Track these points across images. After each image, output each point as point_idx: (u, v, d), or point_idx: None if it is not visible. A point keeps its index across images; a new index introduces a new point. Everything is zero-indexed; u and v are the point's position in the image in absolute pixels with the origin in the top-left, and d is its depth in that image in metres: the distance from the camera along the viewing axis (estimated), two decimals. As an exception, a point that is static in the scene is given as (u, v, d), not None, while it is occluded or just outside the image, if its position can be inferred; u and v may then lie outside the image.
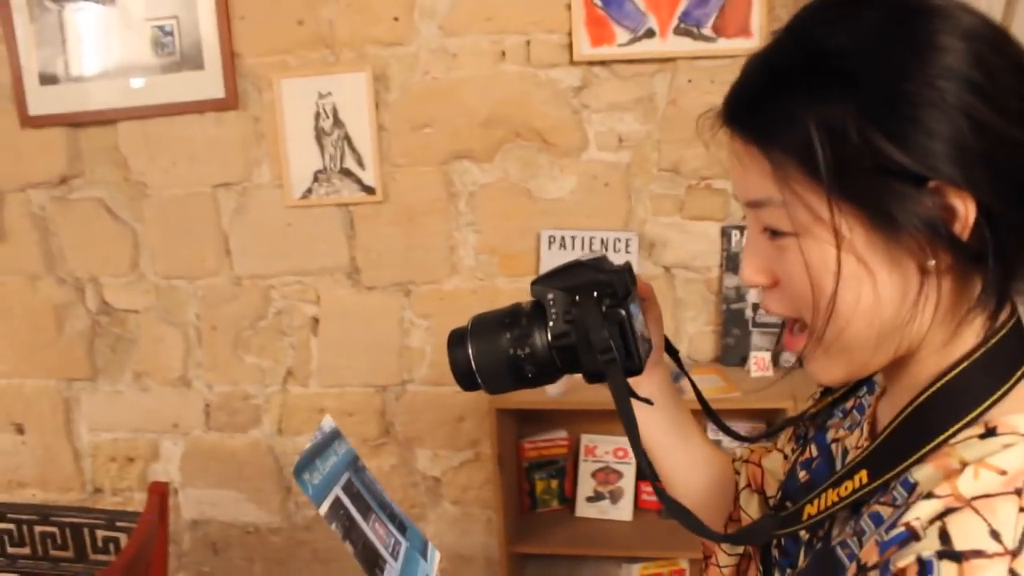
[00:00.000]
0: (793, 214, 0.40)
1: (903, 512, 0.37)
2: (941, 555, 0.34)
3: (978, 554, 0.34)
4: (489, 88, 1.62)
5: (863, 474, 0.43)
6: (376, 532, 0.60)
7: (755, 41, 1.58)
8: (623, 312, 0.59)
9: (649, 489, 1.68)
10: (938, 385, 0.41)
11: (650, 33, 1.55)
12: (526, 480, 1.66)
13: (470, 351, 0.60)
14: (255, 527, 1.95)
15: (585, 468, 1.65)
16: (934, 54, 0.37)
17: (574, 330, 0.57)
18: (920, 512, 0.37)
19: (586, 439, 1.66)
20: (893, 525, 0.38)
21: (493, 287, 1.70)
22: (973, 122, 0.37)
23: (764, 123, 0.41)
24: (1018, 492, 0.35)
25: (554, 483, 1.67)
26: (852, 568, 0.42)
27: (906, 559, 0.35)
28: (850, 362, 0.44)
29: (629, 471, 1.63)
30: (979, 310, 0.41)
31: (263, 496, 1.92)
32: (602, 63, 1.61)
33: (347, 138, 1.70)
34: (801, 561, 0.49)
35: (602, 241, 1.61)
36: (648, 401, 0.58)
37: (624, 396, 0.52)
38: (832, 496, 0.45)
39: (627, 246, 1.60)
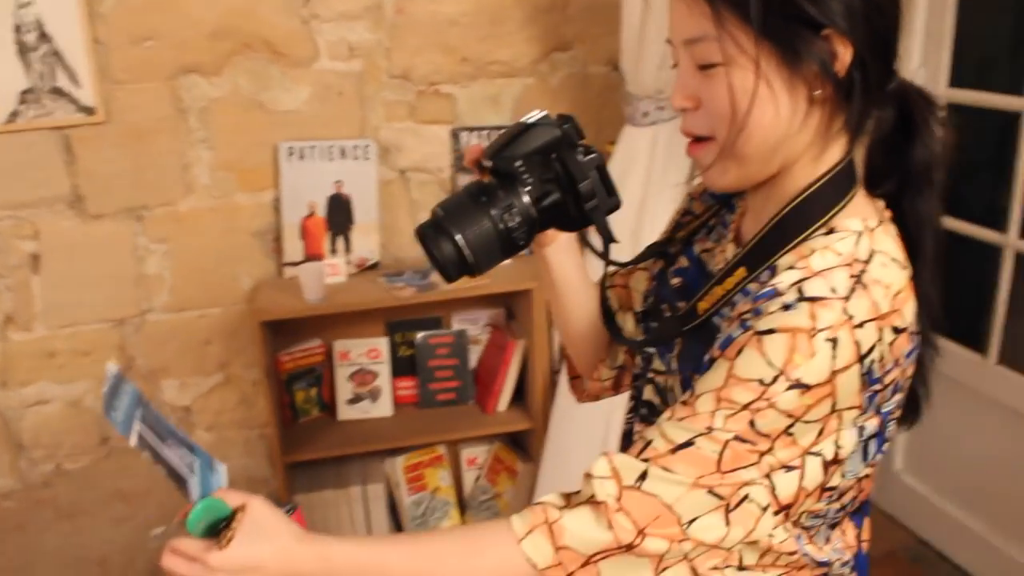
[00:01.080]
0: (724, 47, 0.85)
1: (769, 281, 0.86)
2: (799, 300, 0.82)
3: (822, 299, 0.81)
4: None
5: (742, 270, 0.92)
6: (174, 455, 0.95)
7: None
8: (597, 154, 0.96)
9: (404, 384, 2.61)
10: (800, 199, 0.90)
11: (373, -58, 2.39)
12: (286, 393, 2.52)
13: (457, 238, 0.93)
14: (-18, 493, 2.56)
15: (341, 373, 2.57)
16: None
17: (555, 186, 0.97)
18: (784, 279, 0.84)
19: (339, 345, 2.57)
20: (764, 287, 0.86)
21: (232, 204, 2.53)
22: None
23: None
24: (849, 265, 0.83)
25: (313, 391, 2.57)
26: (726, 323, 0.92)
27: (775, 305, 0.83)
28: (743, 170, 0.91)
29: (384, 370, 2.59)
30: (840, 136, 0.90)
31: (-11, 457, 2.53)
32: (329, -30, 2.43)
33: (56, 54, 2.35)
34: (676, 345, 1.02)
35: (341, 149, 2.48)
36: (612, 261, 1.04)
37: (610, 236, 0.99)
38: (719, 291, 0.94)
39: (365, 152, 2.49)
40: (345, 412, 2.63)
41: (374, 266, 2.63)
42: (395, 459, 2.67)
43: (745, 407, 0.83)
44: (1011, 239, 2.27)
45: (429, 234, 0.96)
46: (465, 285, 2.46)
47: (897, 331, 0.85)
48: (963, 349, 2.39)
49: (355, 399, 2.63)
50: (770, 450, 0.83)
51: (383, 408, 2.64)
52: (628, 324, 1.20)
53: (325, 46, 2.53)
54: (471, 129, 2.65)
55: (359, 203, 2.59)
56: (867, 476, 0.95)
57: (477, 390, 2.72)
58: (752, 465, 0.84)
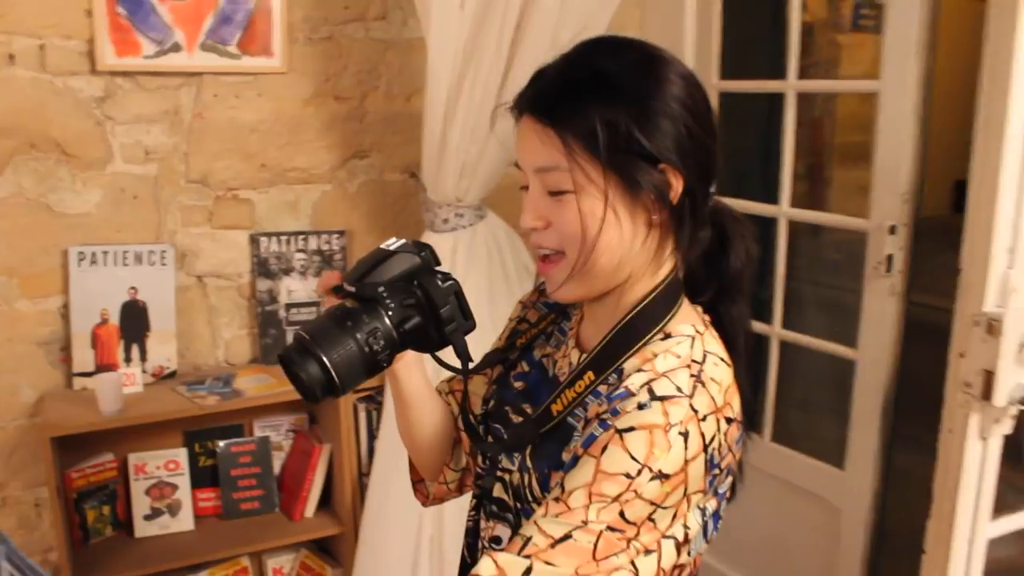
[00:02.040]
0: (575, 177, 0.97)
1: (620, 383, 0.96)
2: (652, 399, 0.92)
3: (671, 398, 0.93)
4: (-4, 95, 2.28)
5: (590, 374, 1.02)
6: None
7: (276, 60, 2.54)
8: (454, 281, 1.04)
9: (205, 496, 2.51)
10: (637, 309, 1.02)
11: (176, 47, 2.44)
12: (75, 512, 2.36)
13: (325, 360, 0.98)
14: None
15: (138, 487, 2.46)
16: (667, 85, 0.98)
17: (416, 311, 1.04)
18: (634, 381, 0.96)
19: (134, 458, 2.47)
20: (615, 389, 0.96)
21: (14, 312, 2.41)
22: (687, 129, 0.98)
23: (562, 114, 0.97)
24: (688, 366, 0.96)
25: (106, 509, 2.43)
26: (581, 423, 1.01)
27: (631, 405, 0.93)
28: (589, 286, 1.02)
29: (184, 481, 2.47)
30: (671, 255, 1.03)
31: None
32: (125, 74, 2.41)
33: None
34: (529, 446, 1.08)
35: (135, 254, 2.42)
36: (453, 368, 1.12)
37: (468, 356, 1.08)
38: (570, 394, 1.03)
39: (162, 258, 2.44)
40: (143, 528, 2.48)
41: (171, 375, 2.54)
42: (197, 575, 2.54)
43: (615, 499, 0.90)
44: (776, 329, 2.53)
45: (294, 357, 0.99)
46: (268, 392, 2.44)
47: (729, 421, 0.97)
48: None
49: (153, 514, 2.49)
50: (636, 536, 0.91)
51: (184, 522, 2.52)
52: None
53: (119, 148, 2.47)
54: (270, 234, 2.65)
55: (155, 310, 2.50)
56: (700, 553, 1.05)
57: (283, 497, 2.64)
58: (622, 552, 0.91)
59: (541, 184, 1.01)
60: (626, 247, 1.00)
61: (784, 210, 2.48)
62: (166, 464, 2.52)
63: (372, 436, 2.59)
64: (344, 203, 2.79)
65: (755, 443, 2.65)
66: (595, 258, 0.99)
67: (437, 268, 1.08)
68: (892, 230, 2.22)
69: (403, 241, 1.09)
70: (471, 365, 1.20)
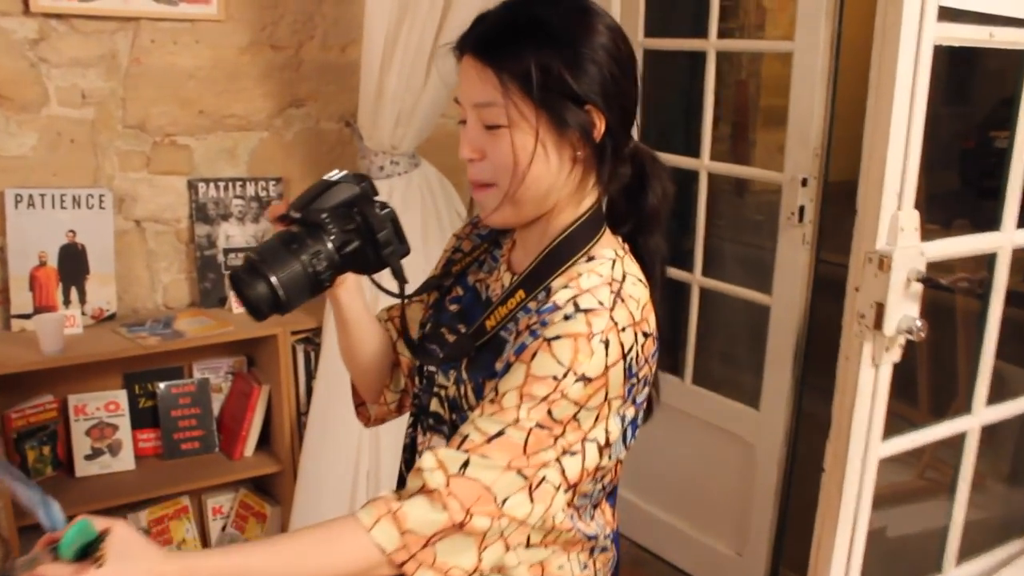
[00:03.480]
0: (509, 113, 1.06)
1: (548, 299, 1.07)
2: (576, 311, 1.03)
3: (593, 310, 1.04)
4: (-73, 39, 2.27)
5: (521, 292, 1.13)
6: (18, 489, 1.05)
7: (213, 8, 2.57)
8: (391, 209, 1.12)
9: (145, 436, 2.57)
10: (564, 235, 1.12)
11: (110, -9, 2.40)
12: (16, 452, 2.39)
13: (272, 280, 1.06)
14: None
15: (78, 428, 2.49)
16: (597, 35, 1.08)
17: (356, 236, 1.12)
18: (561, 296, 1.06)
19: (74, 399, 2.52)
20: (543, 304, 1.07)
21: None
22: (611, 75, 1.08)
23: (500, 55, 1.06)
24: (609, 284, 1.07)
25: (46, 449, 2.46)
26: (513, 335, 1.11)
27: (558, 316, 1.04)
28: (519, 212, 1.12)
29: (124, 422, 2.53)
30: (594, 188, 1.15)
31: None
32: (59, 16, 2.42)
33: None
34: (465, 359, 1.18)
35: (74, 198, 2.44)
36: (394, 293, 1.23)
37: (404, 277, 1.18)
38: (503, 311, 1.14)
39: (100, 202, 2.47)
40: (84, 468, 2.53)
41: (111, 317, 2.57)
42: (138, 514, 2.59)
43: (543, 399, 1.01)
44: (696, 276, 2.67)
45: (243, 276, 1.08)
46: (209, 333, 2.49)
47: (646, 335, 1.08)
48: (663, 374, 2.74)
49: (93, 454, 2.54)
50: (562, 434, 1.02)
51: (125, 462, 2.57)
52: (404, 349, 1.36)
53: (55, 91, 2.47)
54: (208, 180, 2.68)
55: (94, 253, 2.53)
56: (619, 461, 1.17)
57: (222, 438, 2.71)
58: (550, 448, 1.02)
59: (478, 119, 1.10)
60: (552, 178, 1.10)
61: (705, 163, 2.60)
62: (106, 405, 2.56)
63: (311, 377, 2.66)
64: (281, 151, 2.83)
65: (676, 386, 2.80)
66: (525, 187, 1.09)
67: (375, 198, 1.18)
68: (804, 183, 2.35)
69: (345, 172, 1.18)
70: (409, 290, 1.30)
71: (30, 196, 2.45)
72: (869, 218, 1.55)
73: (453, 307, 1.29)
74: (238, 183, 2.73)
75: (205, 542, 2.76)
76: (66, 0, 2.42)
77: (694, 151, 2.64)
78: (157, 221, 2.67)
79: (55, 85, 2.48)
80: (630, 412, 1.10)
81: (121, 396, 2.59)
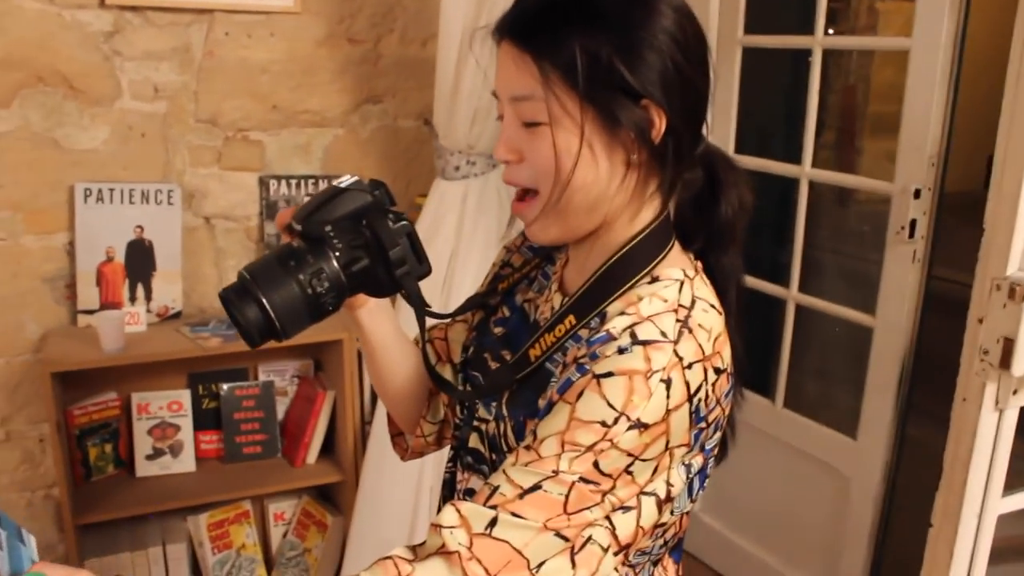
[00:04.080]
0: (550, 108, 0.89)
1: (602, 327, 0.89)
2: (633, 343, 0.85)
3: (654, 342, 0.85)
4: (3, 26, 2.26)
5: (571, 318, 0.96)
6: None
7: (289, 1, 2.44)
8: (407, 222, 0.96)
9: (208, 438, 2.48)
10: (623, 252, 0.95)
11: (184, -18, 2.33)
12: (78, 449, 2.34)
13: (264, 302, 0.91)
14: None
15: (140, 427, 2.43)
16: (657, 16, 0.89)
17: (365, 253, 0.96)
18: (616, 324, 0.88)
19: (137, 397, 2.43)
20: (596, 332, 0.89)
21: (19, 247, 2.37)
22: (674, 64, 0.89)
23: (541, 41, 0.89)
24: (675, 311, 0.88)
25: (108, 447, 2.40)
26: (559, 369, 0.96)
27: (611, 349, 0.86)
28: (565, 226, 0.95)
29: (186, 423, 2.44)
30: (655, 197, 0.96)
31: None
32: (134, 8, 2.35)
33: None
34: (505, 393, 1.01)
35: (143, 193, 2.36)
36: (432, 312, 1.04)
37: (422, 302, 0.99)
38: (549, 339, 0.97)
39: (169, 198, 2.39)
40: (144, 468, 2.47)
41: (176, 315, 2.50)
42: (198, 517, 2.52)
43: (589, 448, 0.84)
44: (792, 292, 2.45)
45: (232, 298, 0.93)
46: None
47: (718, 372, 0.90)
48: (752, 395, 2.54)
49: (155, 454, 2.47)
50: (612, 489, 0.85)
51: (185, 463, 2.50)
52: (447, 376, 1.19)
53: (128, 85, 2.41)
54: (280, 177, 2.59)
55: (161, 249, 2.46)
56: (687, 513, 0.99)
57: (285, 443, 2.62)
58: (596, 505, 0.84)
59: (516, 114, 0.94)
60: (602, 186, 0.92)
61: (806, 171, 2.38)
62: (169, 405, 2.49)
63: (375, 385, 2.54)
64: (356, 148, 2.72)
65: (766, 409, 2.59)
66: (568, 196, 0.92)
67: (391, 208, 1.00)
68: (916, 194, 2.12)
69: (356, 178, 1.01)
70: (449, 310, 1.14)
71: (99, 190, 2.39)
72: (999, 239, 1.33)
73: (498, 330, 1.12)
74: (311, 181, 2.62)
75: (266, 548, 2.67)
76: (143, -9, 2.35)
77: (794, 157, 2.43)
78: (227, 218, 2.59)
79: (128, 78, 2.41)
80: (697, 461, 0.92)
81: (184, 396, 2.52)
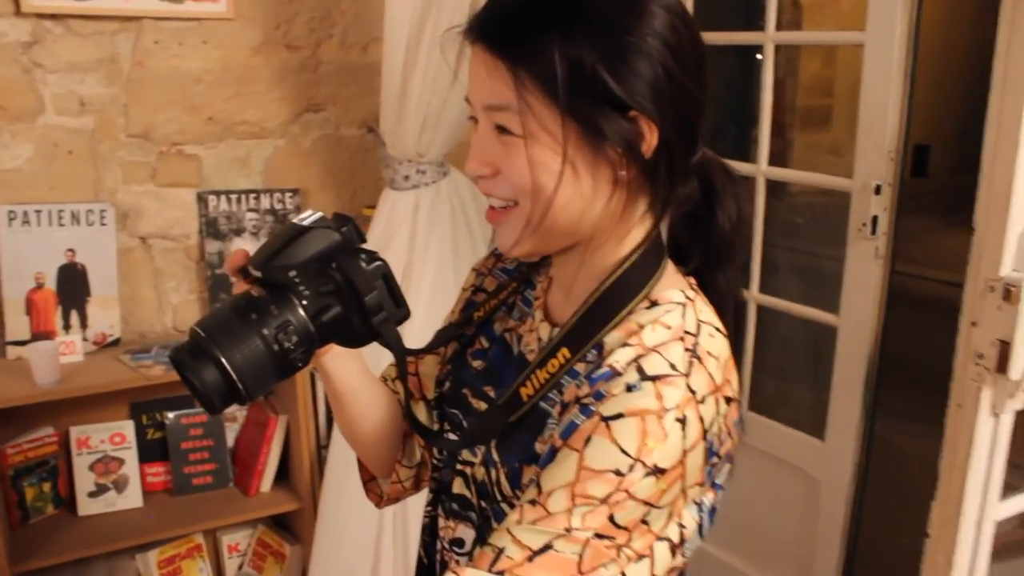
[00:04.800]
0: (525, 121, 0.79)
1: (601, 361, 0.80)
2: (642, 379, 0.76)
3: (665, 377, 0.77)
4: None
5: (564, 351, 0.85)
6: None
7: (222, 5, 2.32)
8: (382, 262, 0.84)
9: (154, 471, 2.33)
10: (615, 276, 0.85)
11: (109, -12, 2.18)
12: (12, 490, 2.18)
13: (224, 362, 0.79)
14: None
15: (81, 462, 2.28)
16: (647, 17, 0.79)
17: (336, 299, 0.85)
18: (619, 358, 0.79)
19: (76, 431, 2.30)
20: (597, 368, 0.79)
21: None
22: (666, 71, 0.79)
23: (516, 46, 0.79)
24: (681, 339, 0.80)
25: (46, 486, 2.24)
26: (556, 408, 0.85)
27: (618, 387, 0.77)
28: (541, 242, 0.85)
29: (131, 455, 2.30)
30: (647, 216, 0.86)
31: None
32: (54, 17, 2.20)
33: None
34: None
35: (72, 214, 2.22)
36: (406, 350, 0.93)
37: (403, 351, 0.89)
38: (542, 375, 0.86)
39: (101, 218, 2.25)
40: (87, 506, 2.31)
41: (115, 343, 2.34)
42: (147, 554, 2.37)
43: (603, 501, 0.75)
44: (753, 294, 2.39)
45: (186, 360, 0.80)
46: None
47: (729, 401, 0.82)
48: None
49: (98, 491, 2.31)
50: (628, 542, 0.76)
51: (132, 499, 2.34)
52: (420, 414, 1.08)
53: (51, 99, 2.25)
54: (219, 193, 2.45)
55: (96, 273, 2.30)
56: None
57: (236, 471, 2.48)
58: (611, 562, 0.76)
59: (490, 123, 0.84)
60: (585, 205, 0.83)
61: (763, 168, 2.32)
62: (111, 437, 2.34)
63: (331, 407, 2.42)
64: (298, 159, 2.59)
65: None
66: (551, 216, 0.83)
67: (361, 246, 0.89)
68: (877, 190, 2.07)
69: (319, 214, 0.89)
70: (419, 347, 1.03)
71: (25, 213, 2.23)
72: (992, 238, 1.27)
73: (477, 363, 1.01)
74: (252, 195, 2.48)
75: (221, 583, 2.53)
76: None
77: (743, 155, 2.37)
78: (164, 237, 2.43)
79: (51, 92, 2.25)
80: (709, 498, 0.84)
81: (127, 427, 2.36)
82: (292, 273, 0.83)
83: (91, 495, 2.32)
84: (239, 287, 0.89)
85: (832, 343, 2.27)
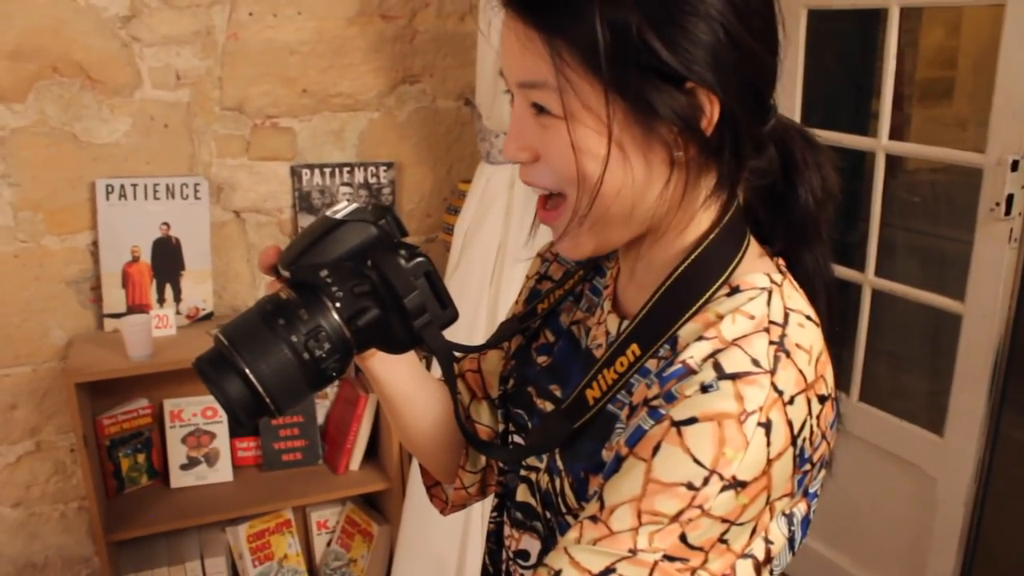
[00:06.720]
0: (566, 100, 0.68)
1: (675, 357, 0.68)
2: (719, 378, 0.64)
3: (746, 375, 0.64)
4: (13, 13, 2.07)
5: (634, 348, 0.73)
6: None
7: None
8: (424, 258, 0.75)
9: (244, 445, 2.29)
10: (690, 260, 0.72)
11: (202, -40, 2.12)
12: (109, 460, 2.17)
13: (249, 374, 0.70)
14: None
15: (173, 435, 2.25)
16: None
17: (373, 301, 0.75)
18: (694, 353, 0.67)
19: (170, 404, 2.26)
20: (669, 365, 0.67)
21: (41, 249, 2.20)
22: (728, 35, 0.66)
23: (551, 12, 0.67)
24: (766, 330, 0.67)
25: (141, 457, 2.22)
26: (625, 411, 0.74)
27: (691, 387, 0.65)
28: (600, 238, 0.74)
29: (222, 430, 2.25)
30: (714, 198, 0.74)
31: None
32: (152, -11, 2.13)
33: None
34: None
35: (167, 187, 2.18)
36: (461, 347, 0.85)
37: (450, 357, 0.79)
38: (610, 375, 0.74)
39: (196, 191, 2.20)
40: (179, 478, 2.29)
41: (208, 316, 2.31)
42: (237, 528, 2.34)
43: (674, 519, 0.63)
44: (869, 277, 2.20)
45: (207, 371, 0.72)
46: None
47: (823, 400, 0.68)
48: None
49: (190, 464, 2.30)
50: (703, 564, 0.64)
51: (222, 472, 2.32)
52: (483, 415, 0.98)
53: (148, 73, 2.21)
54: (313, 166, 2.38)
55: (189, 247, 2.27)
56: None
57: (326, 449, 2.43)
58: None
59: (526, 101, 0.71)
60: (638, 193, 0.71)
61: (883, 143, 2.13)
62: (203, 411, 2.31)
63: (421, 386, 2.34)
64: (393, 132, 2.50)
65: (840, 402, 2.37)
66: (601, 205, 0.71)
67: (402, 241, 0.78)
68: (1014, 166, 1.86)
69: (355, 206, 0.79)
70: (499, 309, 0.91)
71: (122, 186, 2.20)
72: None
73: (542, 359, 0.90)
74: (346, 169, 2.41)
75: (310, 559, 2.49)
76: (161, -29, 2.14)
77: (861, 129, 2.18)
78: (258, 211, 2.39)
79: (148, 66, 2.21)
80: (800, 508, 0.72)
81: (220, 402, 2.32)
82: (324, 273, 0.74)
83: (183, 467, 2.31)
84: (271, 287, 0.79)
85: (955, 331, 2.07)
